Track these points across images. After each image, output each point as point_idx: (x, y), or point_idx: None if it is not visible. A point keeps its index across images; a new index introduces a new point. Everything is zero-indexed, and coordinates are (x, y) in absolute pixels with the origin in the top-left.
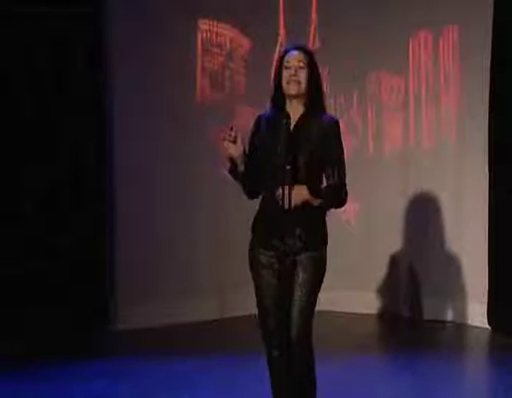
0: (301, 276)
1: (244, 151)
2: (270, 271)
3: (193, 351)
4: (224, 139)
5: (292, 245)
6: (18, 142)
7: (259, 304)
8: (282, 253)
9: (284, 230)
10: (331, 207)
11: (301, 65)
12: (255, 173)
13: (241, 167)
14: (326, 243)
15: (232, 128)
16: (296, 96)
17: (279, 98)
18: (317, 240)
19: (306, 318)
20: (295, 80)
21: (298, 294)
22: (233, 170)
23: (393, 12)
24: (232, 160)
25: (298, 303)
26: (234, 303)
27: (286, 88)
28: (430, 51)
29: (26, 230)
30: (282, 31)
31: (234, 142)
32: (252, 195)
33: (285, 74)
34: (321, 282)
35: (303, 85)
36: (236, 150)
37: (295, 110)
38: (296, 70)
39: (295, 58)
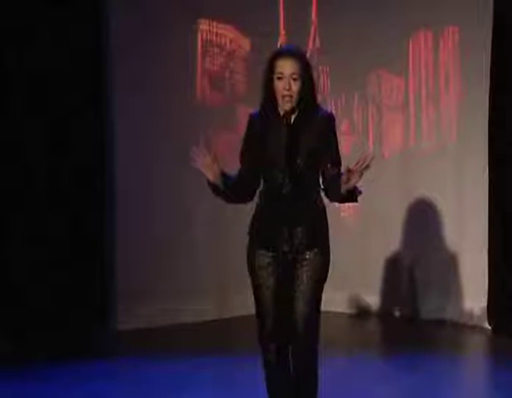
0: (305, 273)
1: (223, 172)
2: (270, 272)
3: (193, 351)
4: (196, 161)
5: (295, 243)
6: (17, 141)
7: (258, 306)
8: (285, 252)
9: (287, 229)
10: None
11: (295, 77)
12: (250, 177)
13: (221, 188)
14: (328, 235)
15: (202, 150)
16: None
17: (271, 100)
18: (320, 236)
19: (312, 312)
20: (288, 96)
21: (304, 290)
22: (216, 191)
23: (392, 12)
24: (211, 183)
25: (304, 298)
26: (233, 304)
27: (279, 101)
28: (430, 51)
29: (26, 229)
30: (282, 31)
31: (210, 162)
32: (247, 200)
33: (278, 85)
34: (325, 278)
35: (296, 98)
36: (213, 175)
37: (289, 111)
38: (289, 84)
39: (288, 68)
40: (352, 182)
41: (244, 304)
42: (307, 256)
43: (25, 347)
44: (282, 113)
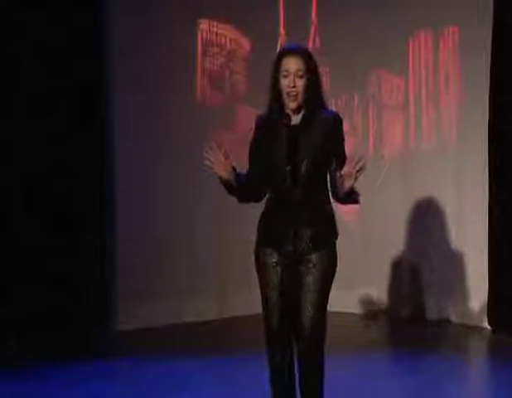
0: (311, 275)
1: (235, 169)
2: (275, 272)
3: (193, 351)
4: (210, 162)
5: (301, 245)
6: (18, 140)
7: (265, 304)
8: (290, 253)
9: (292, 230)
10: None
11: (300, 74)
12: (260, 179)
13: (235, 185)
14: (335, 239)
15: (214, 149)
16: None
17: (277, 100)
18: (327, 237)
19: (318, 313)
20: (294, 94)
21: (310, 291)
22: (229, 190)
23: (392, 12)
24: (224, 181)
25: (310, 299)
26: (234, 303)
27: (285, 100)
28: (430, 51)
29: (27, 230)
30: (282, 31)
31: (222, 161)
32: (257, 200)
33: (283, 83)
34: (332, 279)
35: (302, 95)
36: (225, 171)
37: (295, 111)
38: (294, 81)
39: (293, 65)
40: (347, 186)
41: (245, 304)
42: (313, 258)
43: (25, 347)
44: (288, 112)
